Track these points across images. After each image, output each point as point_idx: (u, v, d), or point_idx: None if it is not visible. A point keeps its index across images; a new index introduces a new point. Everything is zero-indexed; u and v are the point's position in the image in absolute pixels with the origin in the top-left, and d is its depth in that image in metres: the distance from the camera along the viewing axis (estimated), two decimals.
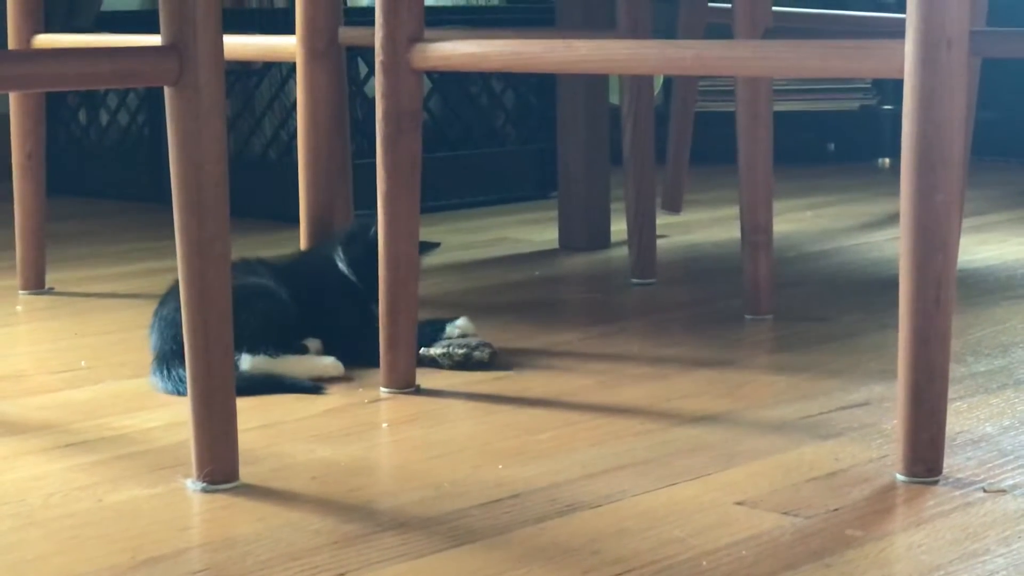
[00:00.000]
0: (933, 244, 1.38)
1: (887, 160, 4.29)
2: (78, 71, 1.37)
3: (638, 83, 2.47)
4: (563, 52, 1.65)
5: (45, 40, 2.35)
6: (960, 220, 1.73)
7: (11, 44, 2.34)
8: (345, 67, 2.12)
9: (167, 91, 1.39)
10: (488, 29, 2.84)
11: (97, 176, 3.66)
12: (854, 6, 4.00)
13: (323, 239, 2.05)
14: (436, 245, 2.02)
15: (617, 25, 2.48)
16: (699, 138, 3.36)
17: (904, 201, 1.39)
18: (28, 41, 2.34)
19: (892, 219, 3.17)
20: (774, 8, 2.27)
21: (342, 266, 1.94)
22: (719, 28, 3.01)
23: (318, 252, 2.01)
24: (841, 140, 4.38)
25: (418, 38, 1.73)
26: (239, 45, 2.24)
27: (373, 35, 1.74)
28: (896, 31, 1.42)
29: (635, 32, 2.43)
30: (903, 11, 1.42)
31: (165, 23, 1.38)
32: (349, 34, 2.14)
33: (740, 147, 2.17)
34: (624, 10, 2.44)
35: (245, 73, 3.34)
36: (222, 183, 1.39)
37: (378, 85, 1.74)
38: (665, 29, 3.35)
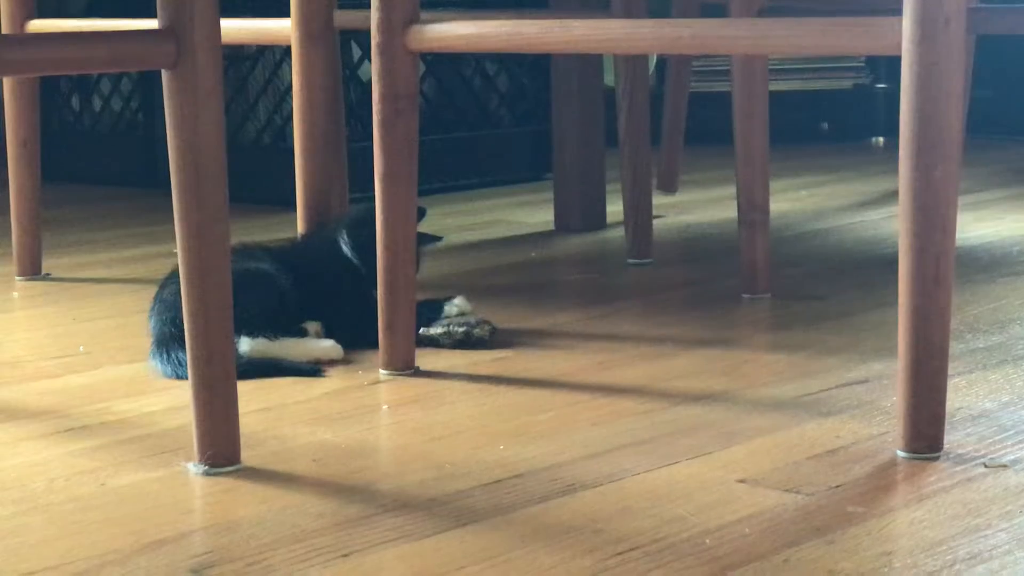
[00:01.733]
0: (932, 221, 1.38)
1: (881, 139, 4.29)
2: (75, 55, 1.37)
3: (633, 63, 2.46)
4: (560, 32, 1.65)
5: (39, 25, 2.34)
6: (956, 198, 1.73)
7: (4, 30, 2.34)
8: (339, 50, 2.12)
9: (165, 75, 1.38)
10: (483, 11, 2.84)
11: (91, 162, 3.65)
12: None
13: (324, 224, 2.04)
14: (438, 239, 2.02)
15: (611, 6, 2.48)
16: (693, 118, 3.36)
17: (903, 178, 1.39)
18: (22, 27, 2.34)
19: (887, 198, 3.18)
20: None
21: (346, 250, 1.94)
22: (713, 9, 3.01)
23: (320, 236, 2.01)
24: (834, 119, 4.38)
25: (414, 20, 1.73)
26: (234, 28, 2.24)
27: (368, 17, 1.74)
28: (892, 8, 1.42)
29: (629, 13, 2.43)
30: None
31: (162, 6, 1.38)
32: (344, 17, 2.14)
33: (736, 126, 2.16)
34: None
35: (239, 57, 3.33)
36: (220, 166, 1.39)
37: (374, 67, 1.74)
38: (659, 11, 3.34)
